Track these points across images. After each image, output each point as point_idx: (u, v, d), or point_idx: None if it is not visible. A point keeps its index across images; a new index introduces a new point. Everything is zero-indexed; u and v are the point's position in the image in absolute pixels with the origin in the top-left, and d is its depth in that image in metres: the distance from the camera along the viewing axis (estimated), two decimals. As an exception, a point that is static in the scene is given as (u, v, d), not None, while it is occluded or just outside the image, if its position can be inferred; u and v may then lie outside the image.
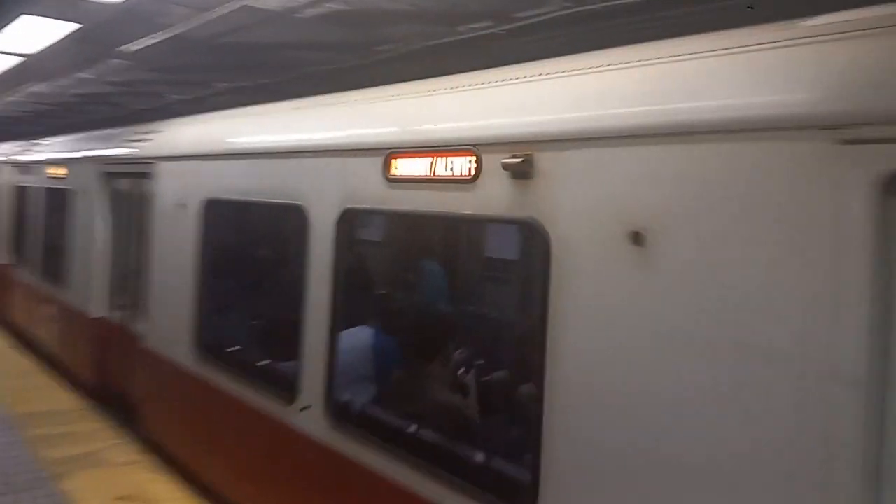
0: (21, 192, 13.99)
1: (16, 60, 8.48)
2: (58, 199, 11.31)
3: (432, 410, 4.87)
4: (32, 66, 8.63)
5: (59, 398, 9.62)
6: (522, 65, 4.09)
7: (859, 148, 2.47)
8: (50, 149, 12.75)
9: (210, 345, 6.80)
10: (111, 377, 9.23)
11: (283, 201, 5.60)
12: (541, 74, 3.87)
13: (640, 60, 3.38)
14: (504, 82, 4.09)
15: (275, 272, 6.69)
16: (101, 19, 6.21)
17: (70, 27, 6.61)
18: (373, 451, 4.58)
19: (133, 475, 7.08)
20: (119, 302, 9.24)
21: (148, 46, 6.99)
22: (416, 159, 4.36)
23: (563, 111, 3.60)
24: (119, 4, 5.75)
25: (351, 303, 5.12)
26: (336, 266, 5.03)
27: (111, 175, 9.52)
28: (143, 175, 8.20)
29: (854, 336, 2.45)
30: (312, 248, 5.21)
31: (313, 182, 5.27)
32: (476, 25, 5.42)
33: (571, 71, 3.72)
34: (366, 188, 4.77)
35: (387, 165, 4.59)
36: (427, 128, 4.43)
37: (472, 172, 3.97)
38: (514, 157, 3.66)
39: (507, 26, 5.25)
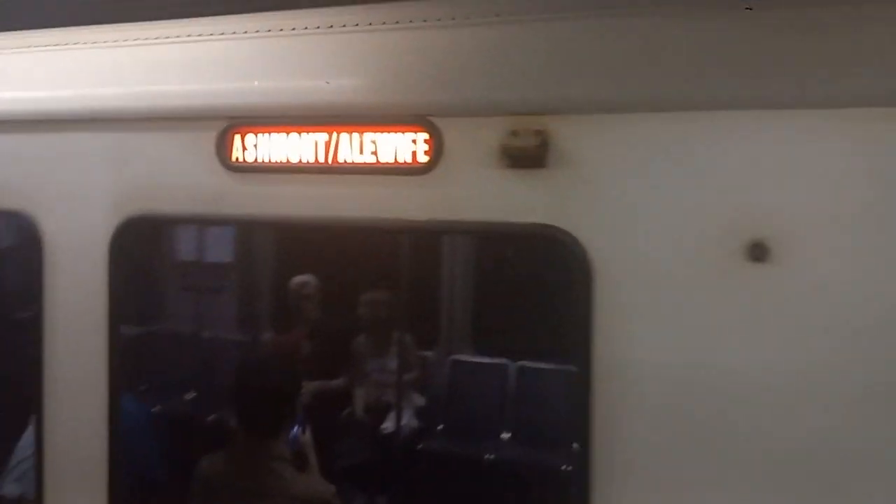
0: None
1: None
2: None
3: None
4: None
5: None
6: None
7: None
8: None
9: None
10: None
11: None
12: None
13: None
14: None
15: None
16: None
17: None
18: None
19: None
20: None
21: None
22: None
23: None
24: None
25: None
26: (113, 325, 3.12)
27: None
28: None
29: None
30: (54, 292, 3.21)
31: (51, 174, 3.23)
32: None
33: None
34: (180, 182, 3.01)
35: (225, 141, 2.90)
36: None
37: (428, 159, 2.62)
38: None
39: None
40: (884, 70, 2.14)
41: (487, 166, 2.52)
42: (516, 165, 2.48)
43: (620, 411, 2.39)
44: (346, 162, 2.73)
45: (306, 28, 2.79)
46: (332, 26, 2.76)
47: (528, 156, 2.45)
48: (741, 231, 2.26)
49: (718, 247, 2.28)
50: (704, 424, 2.32)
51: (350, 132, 2.72)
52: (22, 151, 3.24)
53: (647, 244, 2.36)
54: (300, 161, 2.79)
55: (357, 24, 2.71)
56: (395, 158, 2.66)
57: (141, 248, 3.65)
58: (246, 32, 2.88)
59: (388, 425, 5.94)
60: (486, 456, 5.68)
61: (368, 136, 2.70)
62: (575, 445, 2.52)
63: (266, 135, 2.84)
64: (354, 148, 2.72)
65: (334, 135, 2.74)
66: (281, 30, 2.83)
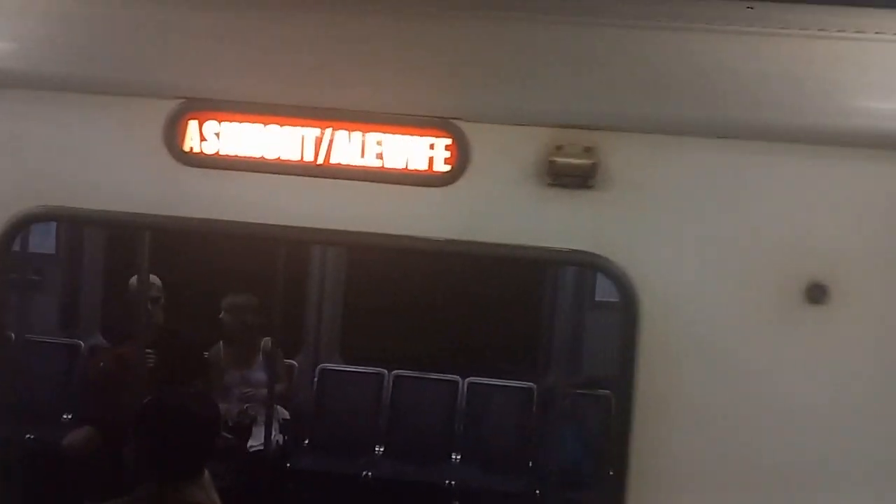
0: None
1: None
2: None
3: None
4: None
5: None
6: None
7: None
8: None
9: None
10: None
11: None
12: None
13: None
14: None
15: None
16: None
17: None
18: None
19: None
20: None
21: None
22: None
23: None
24: None
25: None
26: None
27: None
28: None
29: None
30: None
31: None
32: None
33: None
34: (107, 173, 2.38)
35: (177, 127, 2.32)
36: None
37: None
38: None
39: None
40: None
41: (523, 182, 2.20)
42: (558, 184, 2.18)
43: (661, 448, 2.19)
44: (341, 164, 2.27)
45: None
46: None
47: (573, 174, 2.16)
48: (799, 270, 2.14)
49: (774, 286, 2.15)
50: (750, 468, 2.19)
51: (349, 129, 2.26)
52: None
53: (700, 280, 2.18)
54: (279, 159, 2.29)
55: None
56: (407, 164, 2.25)
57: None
58: None
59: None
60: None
61: (373, 136, 2.26)
62: (611, 474, 2.32)
63: (234, 123, 2.30)
64: (353, 148, 2.26)
65: (328, 131, 2.27)
66: None
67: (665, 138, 2.14)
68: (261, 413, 5.48)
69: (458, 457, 5.74)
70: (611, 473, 2.27)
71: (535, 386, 5.90)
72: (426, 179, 2.24)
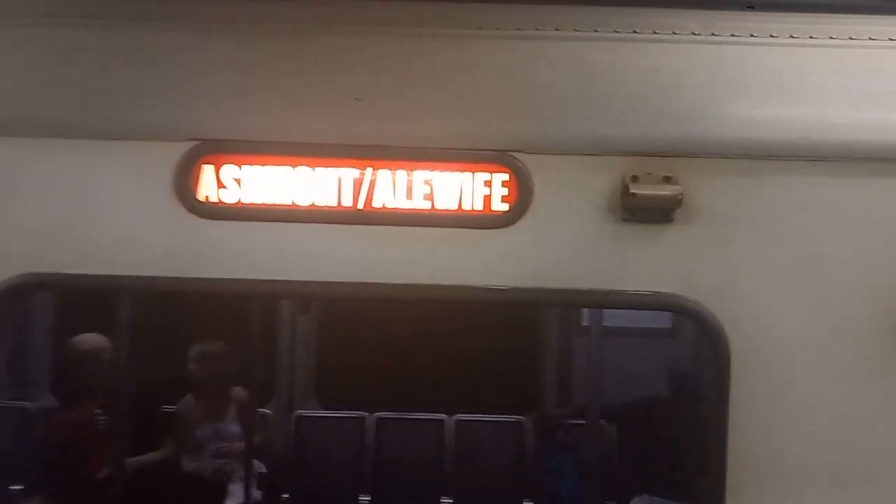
0: None
1: None
2: None
3: None
4: None
5: None
6: None
7: None
8: None
9: None
10: None
11: None
12: None
13: None
14: None
15: None
16: None
17: None
18: None
19: None
20: None
21: None
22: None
23: None
24: None
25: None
26: None
27: None
28: None
29: None
30: None
31: None
32: None
33: None
34: (106, 230, 2.04)
35: (189, 174, 2.00)
36: None
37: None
38: None
39: None
40: None
41: (594, 219, 1.98)
42: (635, 219, 1.96)
43: None
44: (385, 208, 1.99)
45: None
46: None
47: (653, 207, 1.94)
48: None
49: (879, 327, 1.96)
50: None
51: (393, 168, 1.99)
52: None
53: (797, 321, 1.97)
54: (312, 205, 2.00)
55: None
56: (461, 205, 1.99)
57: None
58: None
59: None
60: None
61: (420, 174, 1.99)
62: None
63: (256, 167, 2.00)
64: (399, 189, 1.99)
65: (368, 171, 1.99)
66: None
67: (754, 163, 1.94)
68: (238, 469, 5.11)
69: (450, 501, 5.46)
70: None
71: (524, 419, 5.68)
72: (483, 221, 1.99)
